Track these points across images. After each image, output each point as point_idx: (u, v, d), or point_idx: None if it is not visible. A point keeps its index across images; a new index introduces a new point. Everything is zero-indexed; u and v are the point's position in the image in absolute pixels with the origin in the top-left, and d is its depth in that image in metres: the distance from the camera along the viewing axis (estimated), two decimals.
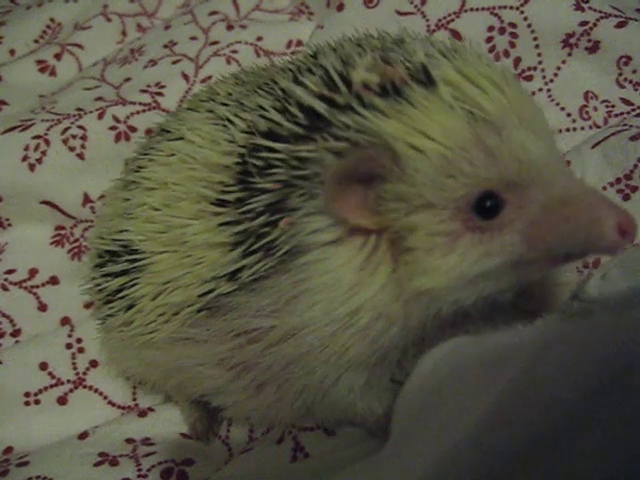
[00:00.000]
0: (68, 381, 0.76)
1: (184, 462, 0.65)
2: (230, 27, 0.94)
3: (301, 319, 0.50)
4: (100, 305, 0.65)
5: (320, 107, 0.48)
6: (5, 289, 0.82)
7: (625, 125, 0.72)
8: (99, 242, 0.64)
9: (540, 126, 0.49)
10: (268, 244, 0.49)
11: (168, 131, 0.63)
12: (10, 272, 0.83)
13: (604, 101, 0.79)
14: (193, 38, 0.93)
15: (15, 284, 0.82)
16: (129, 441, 0.69)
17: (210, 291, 0.52)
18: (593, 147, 0.71)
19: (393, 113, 0.46)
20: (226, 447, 0.68)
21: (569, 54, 0.80)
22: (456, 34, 0.81)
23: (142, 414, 0.73)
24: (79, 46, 0.99)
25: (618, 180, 0.67)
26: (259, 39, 0.92)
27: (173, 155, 0.58)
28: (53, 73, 0.98)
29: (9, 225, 0.84)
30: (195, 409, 0.70)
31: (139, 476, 0.63)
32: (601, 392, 0.35)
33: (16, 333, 0.81)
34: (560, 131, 0.79)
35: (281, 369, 0.53)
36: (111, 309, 0.62)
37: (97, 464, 0.65)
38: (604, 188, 0.68)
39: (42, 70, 0.97)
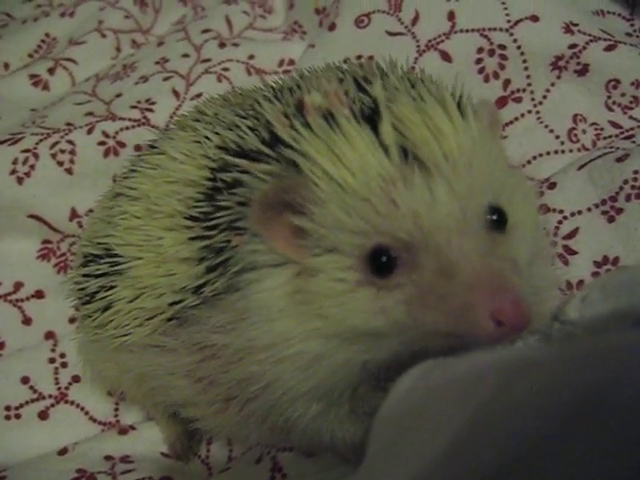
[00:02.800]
0: (50, 396, 0.76)
1: None
2: (222, 45, 0.94)
3: (245, 339, 0.49)
4: (79, 305, 0.66)
5: (279, 127, 0.48)
6: None
7: (612, 147, 0.72)
8: (83, 244, 0.66)
9: (475, 176, 0.45)
10: (225, 261, 0.49)
11: (156, 147, 0.64)
12: None
13: (593, 124, 0.79)
14: (185, 55, 0.94)
15: (0, 297, 0.82)
16: (108, 458, 0.68)
17: (179, 301, 0.53)
18: (579, 169, 0.71)
19: (322, 139, 0.45)
20: (205, 466, 0.68)
21: (558, 77, 0.81)
22: (446, 55, 0.81)
23: (123, 432, 0.72)
24: (73, 61, 1.00)
25: (603, 202, 0.67)
26: (251, 57, 0.93)
27: (155, 169, 0.59)
28: (46, 87, 0.98)
29: None
30: (175, 429, 0.70)
31: None
32: (574, 419, 0.35)
33: (0, 346, 0.80)
34: (548, 153, 0.79)
35: (241, 388, 0.53)
36: (88, 310, 0.62)
37: None
38: (589, 209, 0.68)
39: (35, 84, 0.98)
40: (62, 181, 0.83)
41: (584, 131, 0.79)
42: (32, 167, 0.82)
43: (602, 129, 0.79)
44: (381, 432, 0.44)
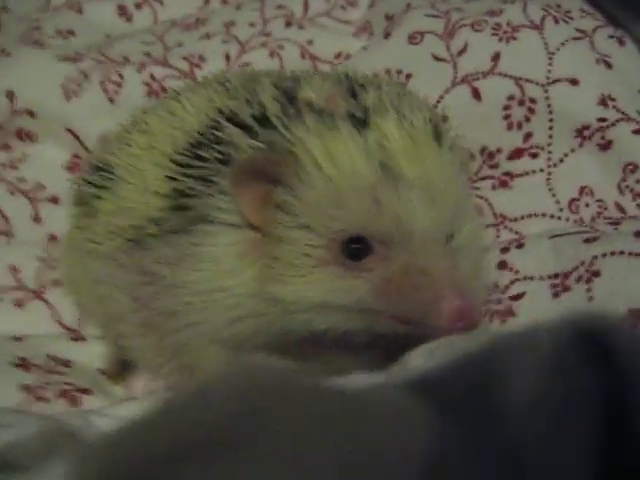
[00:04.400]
0: (30, 290, 0.84)
1: (83, 390, 0.72)
2: (288, 24, 0.99)
3: (183, 279, 0.56)
4: (71, 204, 0.74)
5: (271, 109, 0.54)
6: (12, 193, 0.91)
7: (589, 227, 0.72)
8: (95, 154, 0.76)
9: (445, 198, 0.52)
10: (189, 205, 0.56)
11: (179, 94, 0.71)
12: (21, 180, 0.91)
13: (598, 200, 0.79)
14: (252, 25, 0.99)
15: (22, 192, 0.91)
16: (51, 357, 0.76)
17: (142, 227, 0.59)
18: (551, 237, 0.71)
19: (318, 133, 0.51)
20: (123, 391, 0.75)
21: (580, 145, 0.81)
22: (476, 93, 0.83)
23: (75, 339, 0.80)
24: (159, 1, 1.07)
25: (556, 275, 0.68)
26: (309, 42, 0.97)
27: (168, 114, 0.66)
28: (129, 20, 1.06)
29: (34, 140, 0.92)
30: (115, 352, 0.77)
31: (38, 387, 0.70)
32: None
33: (8, 234, 0.89)
34: (544, 215, 0.80)
35: (164, 318, 0.59)
36: (77, 211, 0.71)
37: (15, 365, 0.73)
38: (541, 278, 0.69)
39: (120, 14, 1.06)
40: (102, 107, 0.91)
41: (587, 205, 0.80)
42: (81, 87, 0.91)
43: (606, 209, 0.79)
44: None
